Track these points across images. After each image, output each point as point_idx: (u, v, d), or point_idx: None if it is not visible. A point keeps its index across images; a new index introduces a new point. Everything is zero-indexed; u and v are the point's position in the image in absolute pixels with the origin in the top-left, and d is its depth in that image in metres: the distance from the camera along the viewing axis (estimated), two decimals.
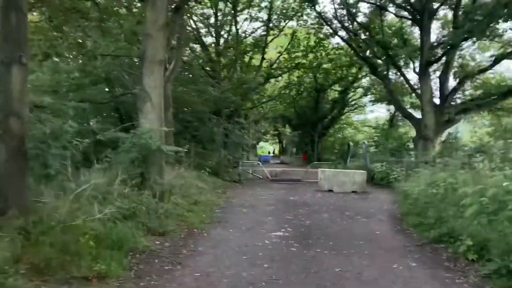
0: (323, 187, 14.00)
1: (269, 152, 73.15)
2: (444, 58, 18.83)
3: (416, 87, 20.69)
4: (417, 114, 22.47)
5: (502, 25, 17.15)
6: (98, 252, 4.97)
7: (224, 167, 16.88)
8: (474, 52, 22.10)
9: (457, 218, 6.60)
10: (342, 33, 22.25)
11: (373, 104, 33.67)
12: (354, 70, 29.83)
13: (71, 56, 10.60)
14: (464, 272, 5.13)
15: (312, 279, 4.80)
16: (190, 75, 18.55)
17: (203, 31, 23.44)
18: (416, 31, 21.38)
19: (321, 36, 26.14)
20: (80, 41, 9.66)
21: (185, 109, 18.29)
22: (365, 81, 34.03)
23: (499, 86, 18.45)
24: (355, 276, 4.94)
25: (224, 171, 16.86)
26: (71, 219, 5.05)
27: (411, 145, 25.08)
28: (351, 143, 20.02)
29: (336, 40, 27.47)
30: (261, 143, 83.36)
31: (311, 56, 27.84)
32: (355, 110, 38.41)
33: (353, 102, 35.87)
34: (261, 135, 62.36)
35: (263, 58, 23.93)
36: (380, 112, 41.70)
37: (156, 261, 5.39)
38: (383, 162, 16.25)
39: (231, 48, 23.21)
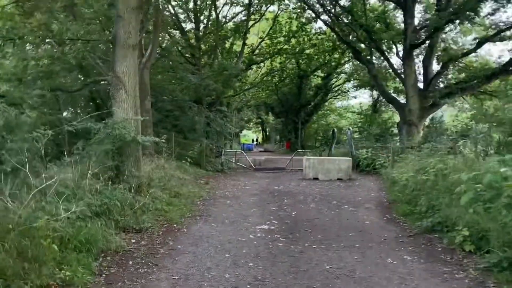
0: (308, 175, 13.66)
1: (252, 140, 72.75)
2: (427, 41, 18.61)
3: (399, 71, 20.45)
4: (401, 99, 22.35)
5: (485, 9, 17.03)
6: (63, 256, 4.46)
7: (206, 156, 16.36)
8: (456, 36, 22.01)
9: (451, 207, 6.29)
10: (325, 17, 21.80)
11: (356, 90, 33.54)
12: (337, 55, 29.46)
13: (36, 41, 9.80)
14: (462, 265, 4.81)
15: (301, 280, 4.40)
16: (170, 62, 17.86)
17: (182, 16, 22.64)
18: (399, 14, 21.11)
19: (303, 20, 25.67)
20: (46, 24, 8.88)
21: (165, 97, 17.65)
22: (348, 67, 33.80)
23: (483, 69, 18.32)
24: (347, 274, 4.56)
25: (206, 161, 16.35)
26: (31, 221, 4.50)
27: (395, 131, 25.04)
28: (335, 129, 19.68)
29: (318, 24, 27.12)
30: (245, 131, 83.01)
31: (293, 41, 27.31)
32: (338, 96, 38.21)
33: (336, 88, 35.62)
34: (244, 123, 61.92)
35: (244, 44, 23.28)
36: (363, 98, 41.60)
37: (130, 262, 4.91)
38: (368, 148, 15.98)
39: (211, 34, 22.52)
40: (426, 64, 19.26)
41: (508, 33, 18.28)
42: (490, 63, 21.63)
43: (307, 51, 27.99)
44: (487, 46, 21.18)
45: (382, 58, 23.64)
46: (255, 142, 66.70)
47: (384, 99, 29.84)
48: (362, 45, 21.39)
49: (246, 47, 25.79)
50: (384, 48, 20.31)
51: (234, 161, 17.37)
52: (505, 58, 18.48)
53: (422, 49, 20.13)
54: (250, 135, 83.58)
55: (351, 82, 35.03)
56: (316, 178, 13.56)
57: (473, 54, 21.22)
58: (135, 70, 8.70)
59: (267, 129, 64.12)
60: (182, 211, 7.81)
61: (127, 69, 8.44)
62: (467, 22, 17.60)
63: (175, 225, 6.81)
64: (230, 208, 8.59)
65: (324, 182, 12.89)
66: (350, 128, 17.50)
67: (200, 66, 20.06)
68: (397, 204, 8.84)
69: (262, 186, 12.17)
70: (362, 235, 6.34)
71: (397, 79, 24.30)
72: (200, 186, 11.81)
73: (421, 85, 19.40)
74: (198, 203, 9.14)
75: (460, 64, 21.86)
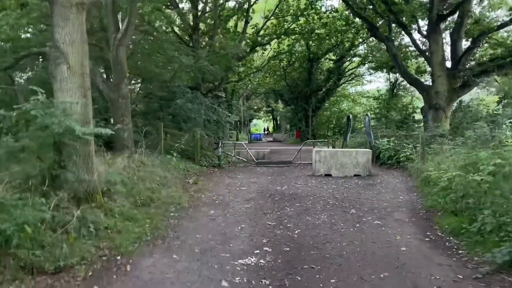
0: (319, 171, 11.36)
1: (264, 130, 70.53)
2: (457, 12, 15.97)
3: (424, 48, 17.87)
4: (425, 81, 19.80)
5: None
6: None
7: (202, 149, 14.16)
8: (483, 10, 19.23)
9: None
10: None
11: (371, 74, 30.89)
12: (350, 35, 26.84)
13: None
14: None
15: None
16: (159, 41, 15.59)
17: None
18: None
19: None
20: None
21: (154, 84, 15.46)
22: (362, 49, 31.16)
23: None
24: None
25: (201, 154, 14.16)
26: None
27: (417, 117, 22.46)
28: (350, 115, 17.24)
29: (330, 1, 24.51)
30: (255, 121, 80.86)
31: (302, 20, 24.81)
32: (352, 81, 35.58)
33: (349, 72, 33.01)
34: (253, 112, 59.61)
35: (246, 23, 20.91)
36: (379, 83, 38.82)
37: None
38: (390, 138, 13.56)
39: (210, 13, 20.19)
40: (455, 38, 16.64)
41: None
42: None
43: (318, 31, 25.44)
44: None
45: (402, 34, 21.07)
46: (265, 131, 64.45)
47: (403, 82, 27.28)
48: (380, 21, 18.87)
49: (249, 27, 23.44)
50: (405, 22, 17.65)
51: (233, 155, 15.12)
52: None
53: (449, 22, 17.49)
54: (261, 124, 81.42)
55: (366, 65, 32.39)
56: (329, 175, 11.27)
57: (505, 29, 18.55)
58: (82, 38, 6.44)
59: (277, 118, 61.86)
60: (141, 231, 5.61)
61: (69, 36, 6.23)
62: None
63: (118, 257, 4.62)
64: (212, 223, 6.38)
65: (338, 180, 10.58)
66: (368, 114, 15.06)
67: (199, 48, 17.79)
68: (439, 214, 6.52)
69: (261, 186, 9.92)
70: (400, 277, 4.06)
71: (420, 58, 21.73)
72: (185, 187, 9.65)
73: (448, 64, 16.85)
74: (172, 214, 6.94)
75: (492, 41, 19.12)
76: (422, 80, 20.00)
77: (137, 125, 15.45)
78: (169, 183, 9.65)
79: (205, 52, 15.74)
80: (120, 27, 11.30)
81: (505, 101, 23.10)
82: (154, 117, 15.72)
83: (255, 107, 61.95)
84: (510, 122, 11.88)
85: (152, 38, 14.54)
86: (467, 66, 16.72)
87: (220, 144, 14.13)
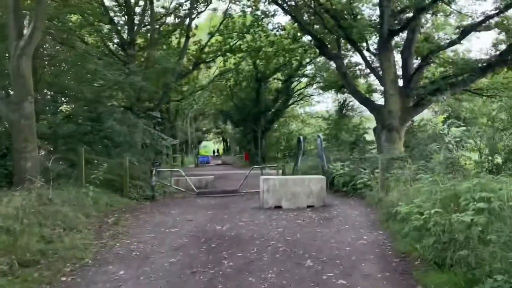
0: (267, 202, 9.75)
1: (213, 152, 68.57)
2: (407, 28, 15.40)
3: (374, 66, 17.17)
4: (374, 101, 19.12)
5: None
6: None
7: (131, 179, 12.13)
8: (429, 31, 19.05)
9: None
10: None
11: (319, 94, 30.29)
12: (298, 54, 26.05)
13: None
14: None
15: None
16: (82, 54, 13.51)
17: (111, 4, 18.44)
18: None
19: (259, 13, 22.06)
20: None
21: (82, 102, 13.30)
22: (310, 69, 30.62)
23: (475, 61, 15.22)
24: None
25: (132, 185, 12.12)
26: None
27: (368, 138, 21.76)
28: (301, 137, 15.95)
29: (277, 19, 23.62)
30: (205, 143, 78.82)
31: (248, 37, 23.67)
32: (301, 102, 34.88)
33: (298, 93, 32.24)
34: (201, 134, 57.64)
35: (187, 38, 19.31)
36: (327, 103, 38.50)
37: None
38: (344, 161, 12.31)
39: (146, 27, 18.44)
40: (406, 56, 16.05)
41: (492, 21, 15.47)
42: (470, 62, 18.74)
43: (265, 50, 24.37)
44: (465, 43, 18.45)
45: (351, 52, 20.44)
46: (214, 154, 62.56)
47: (351, 102, 26.79)
48: (328, 37, 18.05)
49: (193, 43, 21.93)
50: (355, 38, 16.90)
51: (169, 184, 13.17)
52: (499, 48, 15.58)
53: (400, 39, 16.98)
54: (211, 147, 79.45)
55: (314, 86, 31.87)
56: (279, 207, 9.69)
57: (452, 49, 18.47)
58: None
59: (228, 140, 60.33)
60: None
61: None
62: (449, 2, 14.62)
63: None
64: None
65: (289, 214, 9.02)
66: (320, 135, 13.82)
67: (135, 64, 15.87)
68: (418, 265, 5.09)
69: (198, 225, 8.11)
70: None
71: (370, 77, 21.22)
72: (100, 231, 7.64)
73: (399, 83, 16.19)
74: (64, 279, 4.97)
75: (439, 60, 18.89)
76: (372, 100, 19.33)
77: (58, 151, 13.21)
78: (79, 226, 7.64)
79: (136, 67, 13.83)
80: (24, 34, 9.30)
81: (450, 120, 23.11)
82: (80, 142, 13.55)
83: (204, 129, 60.08)
84: (455, 142, 11.09)
85: (72, 48, 12.48)
86: (420, 84, 16.16)
87: (154, 172, 12.16)
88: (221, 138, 66.74)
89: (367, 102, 17.53)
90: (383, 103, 16.22)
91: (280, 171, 13.29)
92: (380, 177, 9.46)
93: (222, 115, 38.71)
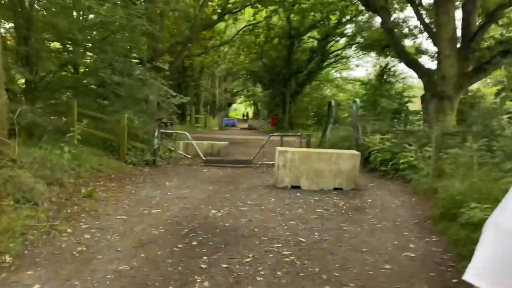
0: (283, 180, 7.77)
1: (243, 115, 66.80)
2: None
3: (428, 21, 14.37)
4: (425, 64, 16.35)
5: None
6: None
7: (130, 140, 10.42)
8: None
9: None
10: None
11: (359, 55, 27.27)
12: (337, 8, 23.04)
13: None
14: None
15: None
16: None
17: None
18: None
19: None
20: None
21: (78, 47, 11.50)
22: (349, 27, 27.59)
23: None
24: None
25: (131, 146, 10.44)
26: None
27: (411, 107, 19.10)
28: (332, 102, 13.63)
29: None
30: (235, 105, 77.01)
31: None
32: (337, 65, 31.94)
33: (334, 54, 29.33)
34: (230, 96, 55.66)
35: None
36: (366, 67, 35.52)
37: None
38: (384, 134, 10.04)
39: None
40: (469, 10, 13.09)
41: None
42: None
43: (300, 2, 21.52)
44: None
45: (398, 8, 17.52)
46: (244, 117, 60.79)
47: (393, 67, 23.83)
48: None
49: None
50: None
51: (172, 148, 11.38)
52: None
53: None
54: (242, 109, 77.56)
55: (353, 47, 28.86)
56: (297, 187, 7.70)
57: None
58: None
59: (258, 103, 58.16)
60: None
61: None
62: None
63: None
64: None
65: (309, 198, 7.02)
66: (357, 100, 11.46)
67: (142, 6, 13.82)
68: None
69: (188, 206, 6.27)
70: None
71: (418, 37, 18.29)
72: (61, 205, 5.95)
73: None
74: None
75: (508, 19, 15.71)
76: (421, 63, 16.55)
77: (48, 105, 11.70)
78: (39, 197, 5.98)
79: (141, 8, 11.75)
80: None
81: (504, 94, 20.08)
82: (74, 94, 11.97)
83: (234, 90, 58.04)
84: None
85: None
86: (482, 45, 13.32)
87: (156, 134, 10.37)
88: (251, 101, 64.57)
89: (415, 64, 14.80)
90: (434, 67, 13.58)
91: (304, 141, 11.19)
92: (433, 157, 7.21)
93: (253, 77, 36.46)
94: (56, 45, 12.68)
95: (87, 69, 11.91)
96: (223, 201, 6.67)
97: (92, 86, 12.20)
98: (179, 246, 4.46)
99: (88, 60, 11.71)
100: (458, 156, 7.16)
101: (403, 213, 6.18)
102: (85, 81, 12.21)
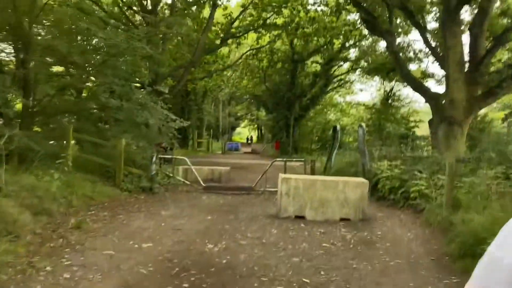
0: (286, 210, 7.28)
1: (247, 139, 66.50)
2: None
3: (434, 45, 14.12)
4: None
5: None
6: None
7: (127, 166, 10.01)
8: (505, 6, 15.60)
9: None
10: None
11: (363, 79, 27.07)
12: (341, 33, 23.03)
13: None
14: None
15: None
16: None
17: None
18: None
19: None
20: None
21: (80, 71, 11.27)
22: (353, 52, 27.54)
23: None
24: None
25: (127, 173, 10.01)
26: None
27: (417, 132, 18.66)
28: (338, 126, 13.22)
29: None
30: (239, 129, 76.92)
31: (285, 12, 20.96)
32: (341, 89, 31.75)
33: (338, 78, 29.18)
34: (234, 120, 55.62)
35: (214, 6, 16.89)
36: (370, 91, 35.18)
37: None
38: (392, 160, 9.57)
39: None
40: (476, 32, 12.83)
41: None
42: None
43: (303, 25, 21.49)
44: None
45: (404, 31, 17.36)
46: (248, 141, 60.51)
47: (398, 92, 23.55)
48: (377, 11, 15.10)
49: (223, 16, 19.55)
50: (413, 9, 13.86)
51: (171, 174, 10.94)
52: None
53: (467, 16, 13.80)
54: (246, 133, 77.39)
55: (357, 71, 28.74)
56: (301, 217, 7.20)
57: None
58: None
59: (262, 127, 57.91)
60: None
61: None
62: None
63: None
64: None
65: (314, 229, 6.51)
66: (363, 125, 11.02)
67: (143, 29, 13.69)
68: None
69: (183, 239, 5.77)
70: None
71: (423, 61, 18.01)
72: (46, 238, 5.50)
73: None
74: None
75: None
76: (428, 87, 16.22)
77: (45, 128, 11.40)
78: (21, 228, 5.56)
79: (143, 31, 11.55)
80: None
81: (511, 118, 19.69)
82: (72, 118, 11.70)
83: (238, 114, 58.04)
84: None
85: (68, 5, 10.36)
86: (490, 69, 13.00)
87: (153, 160, 9.96)
88: (256, 125, 64.41)
89: (421, 88, 14.50)
90: (441, 92, 13.27)
91: (308, 167, 10.73)
92: (447, 186, 6.71)
93: (256, 101, 36.35)
94: (59, 69, 12.51)
95: (89, 93, 11.65)
96: (221, 233, 6.18)
97: (95, 110, 11.92)
98: None
99: (91, 84, 11.44)
100: (474, 185, 6.68)
101: (417, 248, 5.66)
102: (88, 105, 11.96)
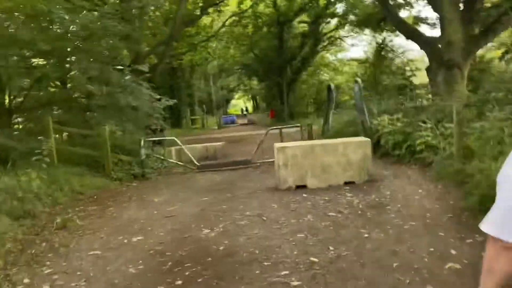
0: (286, 181, 6.79)
1: (242, 110, 65.79)
2: None
3: None
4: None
5: None
6: None
7: (114, 153, 9.47)
8: None
9: None
10: None
11: (354, 33, 26.10)
12: None
13: None
14: None
15: None
16: None
17: None
18: None
19: None
20: None
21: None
22: (340, 7, 26.39)
23: None
24: None
25: (116, 160, 9.49)
26: None
27: (415, 81, 17.99)
28: (332, 85, 12.56)
29: None
30: (234, 101, 76.01)
31: None
32: (332, 47, 30.74)
33: (327, 36, 28.13)
34: (226, 93, 54.69)
35: None
36: (362, 45, 34.19)
37: None
38: (393, 113, 8.99)
39: None
40: None
41: None
42: None
43: None
44: None
45: None
46: (243, 113, 59.84)
47: (391, 43, 22.68)
48: None
49: None
50: None
51: (160, 157, 10.38)
52: None
53: None
54: (241, 105, 76.56)
55: (346, 26, 27.68)
56: (302, 186, 6.72)
57: None
58: None
59: (257, 97, 57.04)
60: None
61: None
62: None
63: None
64: None
65: (317, 198, 6.03)
66: (358, 80, 10.35)
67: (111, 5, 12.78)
68: None
69: (177, 227, 5.30)
70: None
71: (415, 6, 17.13)
72: (29, 243, 5.03)
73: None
74: None
75: None
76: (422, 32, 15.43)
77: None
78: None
79: (113, 8, 10.70)
80: None
81: (509, 56, 18.95)
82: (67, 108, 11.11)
83: (230, 86, 57.01)
84: None
85: None
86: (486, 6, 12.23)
87: (142, 144, 9.40)
88: (250, 96, 63.47)
89: (415, 35, 13.74)
90: (436, 36, 12.54)
91: (306, 132, 10.18)
92: (456, 134, 6.17)
93: (246, 70, 35.39)
94: (40, 61, 11.76)
95: (71, 82, 10.97)
96: (218, 215, 5.70)
97: (83, 100, 11.26)
98: None
99: (72, 73, 10.73)
100: (485, 129, 6.14)
101: (431, 206, 5.18)
102: (71, 94, 11.31)
